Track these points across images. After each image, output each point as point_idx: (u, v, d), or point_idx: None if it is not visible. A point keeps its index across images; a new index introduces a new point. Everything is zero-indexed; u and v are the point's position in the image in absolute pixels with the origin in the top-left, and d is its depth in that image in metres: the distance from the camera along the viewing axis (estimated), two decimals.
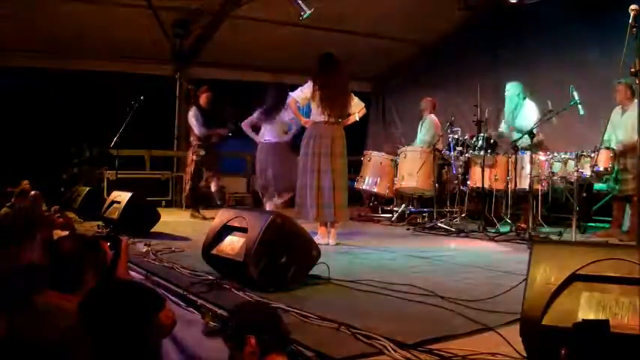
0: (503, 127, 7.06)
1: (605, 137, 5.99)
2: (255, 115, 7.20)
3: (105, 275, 2.22)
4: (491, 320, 2.71)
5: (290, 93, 5.88)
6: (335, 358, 2.27)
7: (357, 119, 5.84)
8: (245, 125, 7.37)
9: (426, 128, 7.98)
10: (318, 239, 5.34)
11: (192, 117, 7.78)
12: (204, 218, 7.29)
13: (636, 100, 5.72)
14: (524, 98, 6.91)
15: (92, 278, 2.11)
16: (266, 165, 7.04)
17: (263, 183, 7.13)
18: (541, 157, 6.25)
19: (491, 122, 7.80)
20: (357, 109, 5.78)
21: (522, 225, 6.36)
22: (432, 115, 8.07)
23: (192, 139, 7.96)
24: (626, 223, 6.12)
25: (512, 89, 7.02)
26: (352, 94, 5.78)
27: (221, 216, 3.98)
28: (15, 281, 2.05)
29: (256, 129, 7.31)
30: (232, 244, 3.67)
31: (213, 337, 2.39)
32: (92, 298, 1.70)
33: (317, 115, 5.59)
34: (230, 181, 9.59)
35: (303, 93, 5.65)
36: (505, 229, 6.36)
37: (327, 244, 5.35)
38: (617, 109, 6.14)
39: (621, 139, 5.90)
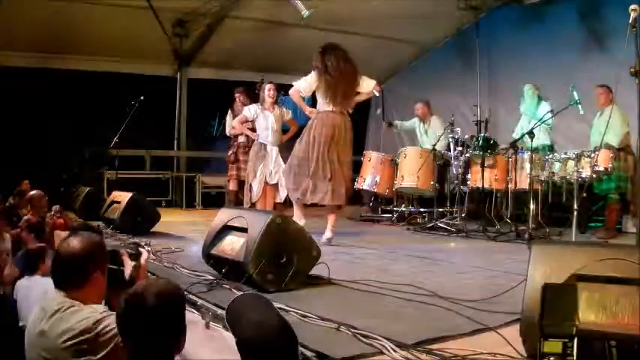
0: (517, 133, 7.01)
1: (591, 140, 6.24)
2: (247, 110, 6.86)
3: (122, 284, 2.21)
4: (491, 320, 2.71)
5: (293, 83, 5.86)
6: (335, 358, 2.26)
7: (372, 94, 5.89)
8: (238, 124, 7.01)
9: (436, 132, 7.93)
10: (323, 240, 5.37)
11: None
12: None
13: (612, 106, 5.80)
14: (542, 100, 6.92)
15: (99, 278, 2.13)
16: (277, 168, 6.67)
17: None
18: (541, 156, 6.26)
19: (491, 122, 7.81)
20: (368, 89, 5.79)
21: (522, 226, 6.36)
22: (436, 117, 8.14)
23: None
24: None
25: (529, 91, 7.02)
26: (362, 75, 5.77)
27: (221, 216, 3.98)
28: None
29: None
30: (232, 244, 3.67)
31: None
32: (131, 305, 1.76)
33: (323, 104, 5.63)
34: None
35: (307, 83, 5.66)
36: (505, 229, 6.37)
37: (327, 237, 5.41)
38: (598, 113, 6.28)
39: (596, 144, 5.95)
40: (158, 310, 1.73)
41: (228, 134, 8.07)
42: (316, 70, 5.62)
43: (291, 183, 5.77)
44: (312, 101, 6.28)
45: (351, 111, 5.79)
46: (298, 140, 5.83)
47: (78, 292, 2.06)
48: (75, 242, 2.14)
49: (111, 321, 1.91)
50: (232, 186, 7.94)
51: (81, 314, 1.98)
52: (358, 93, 5.84)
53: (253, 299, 2.27)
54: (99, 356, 1.91)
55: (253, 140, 6.93)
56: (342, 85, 5.58)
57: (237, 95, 8.10)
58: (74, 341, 1.93)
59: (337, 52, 5.63)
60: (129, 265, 2.25)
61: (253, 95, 7.65)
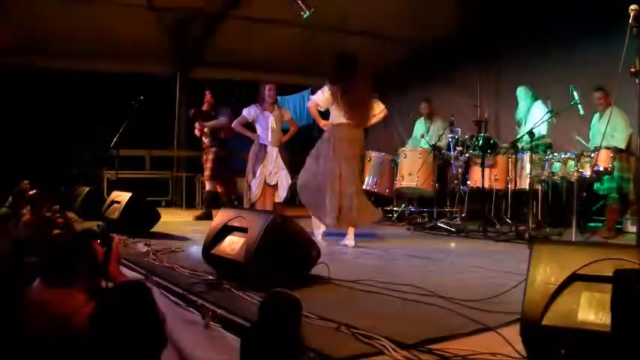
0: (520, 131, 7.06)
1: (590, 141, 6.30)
2: (246, 111, 6.79)
3: (97, 272, 2.27)
4: (492, 320, 2.71)
5: (311, 96, 5.76)
6: (335, 358, 2.26)
7: (379, 119, 5.68)
8: (237, 125, 6.84)
9: (440, 131, 7.94)
10: (344, 241, 5.40)
11: None
12: None
13: (612, 107, 5.81)
14: (536, 100, 6.93)
15: (84, 274, 2.17)
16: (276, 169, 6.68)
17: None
18: (541, 156, 6.27)
19: (492, 122, 7.81)
20: (377, 110, 5.58)
21: (522, 226, 6.36)
22: (439, 118, 8.23)
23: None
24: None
25: (522, 93, 7.04)
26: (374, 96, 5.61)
27: (221, 216, 3.98)
28: None
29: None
30: (232, 244, 3.67)
31: None
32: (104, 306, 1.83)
33: (338, 117, 5.43)
34: None
35: (324, 96, 5.44)
36: (505, 229, 6.37)
37: (351, 246, 5.36)
38: (597, 115, 6.29)
39: (596, 145, 5.95)
40: (126, 309, 1.80)
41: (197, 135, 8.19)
42: (329, 81, 5.44)
43: (310, 199, 5.56)
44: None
45: (367, 124, 5.61)
46: (313, 155, 5.59)
47: (63, 287, 2.11)
48: (61, 241, 2.22)
49: (88, 309, 1.96)
50: (220, 188, 8.00)
51: (63, 304, 2.03)
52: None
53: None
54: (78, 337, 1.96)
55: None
56: (356, 102, 5.39)
57: (207, 92, 8.14)
58: (56, 328, 1.98)
59: (354, 66, 5.42)
60: (100, 252, 2.30)
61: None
